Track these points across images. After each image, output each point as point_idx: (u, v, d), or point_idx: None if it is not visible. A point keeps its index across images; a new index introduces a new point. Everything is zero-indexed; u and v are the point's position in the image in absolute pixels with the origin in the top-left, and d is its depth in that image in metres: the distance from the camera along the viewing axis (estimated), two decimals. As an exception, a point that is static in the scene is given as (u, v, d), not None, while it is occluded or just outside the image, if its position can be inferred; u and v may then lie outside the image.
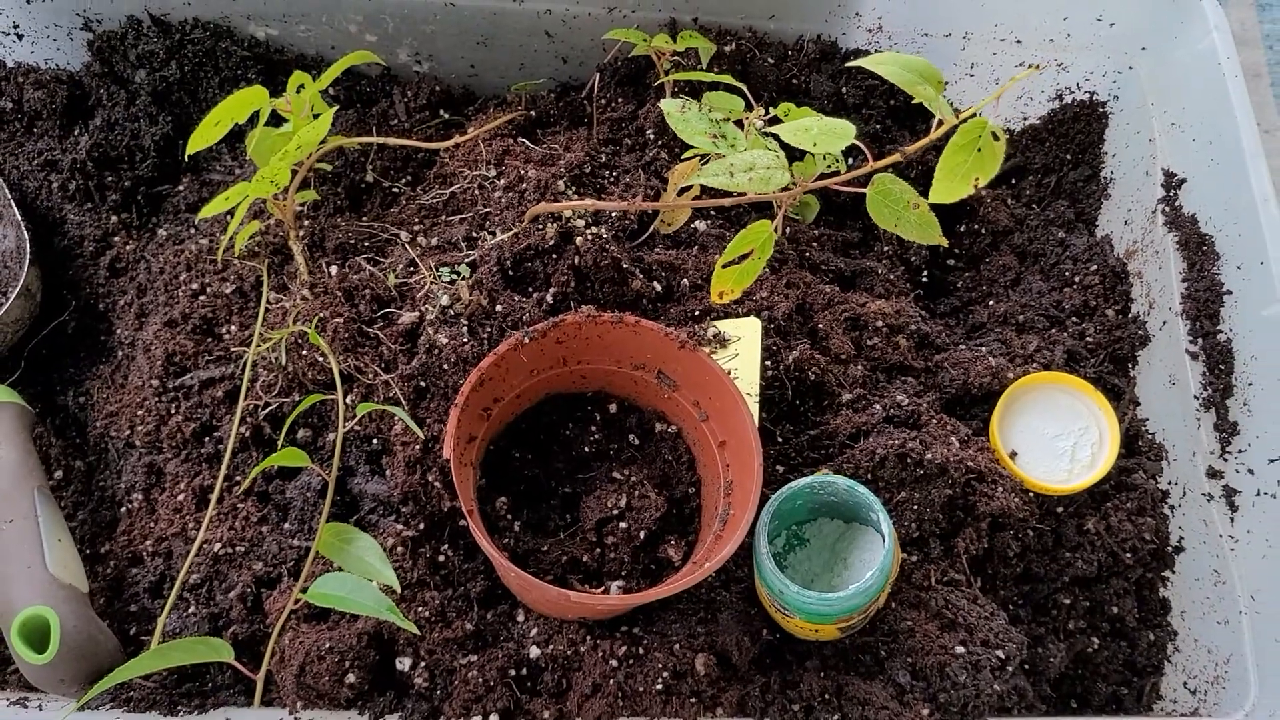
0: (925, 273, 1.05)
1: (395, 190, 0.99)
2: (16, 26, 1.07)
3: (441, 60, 1.09)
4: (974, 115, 0.67)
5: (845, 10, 1.05)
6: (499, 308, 0.82)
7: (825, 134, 0.73)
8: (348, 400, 0.82)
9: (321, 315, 0.83)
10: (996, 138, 0.65)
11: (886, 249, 1.03)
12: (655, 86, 1.00)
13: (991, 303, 1.01)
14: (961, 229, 1.07)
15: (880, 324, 0.92)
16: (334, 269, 0.88)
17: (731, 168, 0.72)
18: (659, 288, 0.88)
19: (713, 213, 0.95)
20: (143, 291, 0.98)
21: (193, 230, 1.01)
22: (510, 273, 0.85)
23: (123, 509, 0.88)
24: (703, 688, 0.76)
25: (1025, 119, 1.12)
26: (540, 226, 0.85)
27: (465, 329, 0.81)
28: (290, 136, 0.86)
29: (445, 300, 0.81)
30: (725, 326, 0.85)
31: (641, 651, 0.76)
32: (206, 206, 0.84)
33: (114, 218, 1.03)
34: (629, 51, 1.02)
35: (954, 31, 1.06)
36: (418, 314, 0.83)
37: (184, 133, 1.08)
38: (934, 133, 0.70)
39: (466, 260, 0.85)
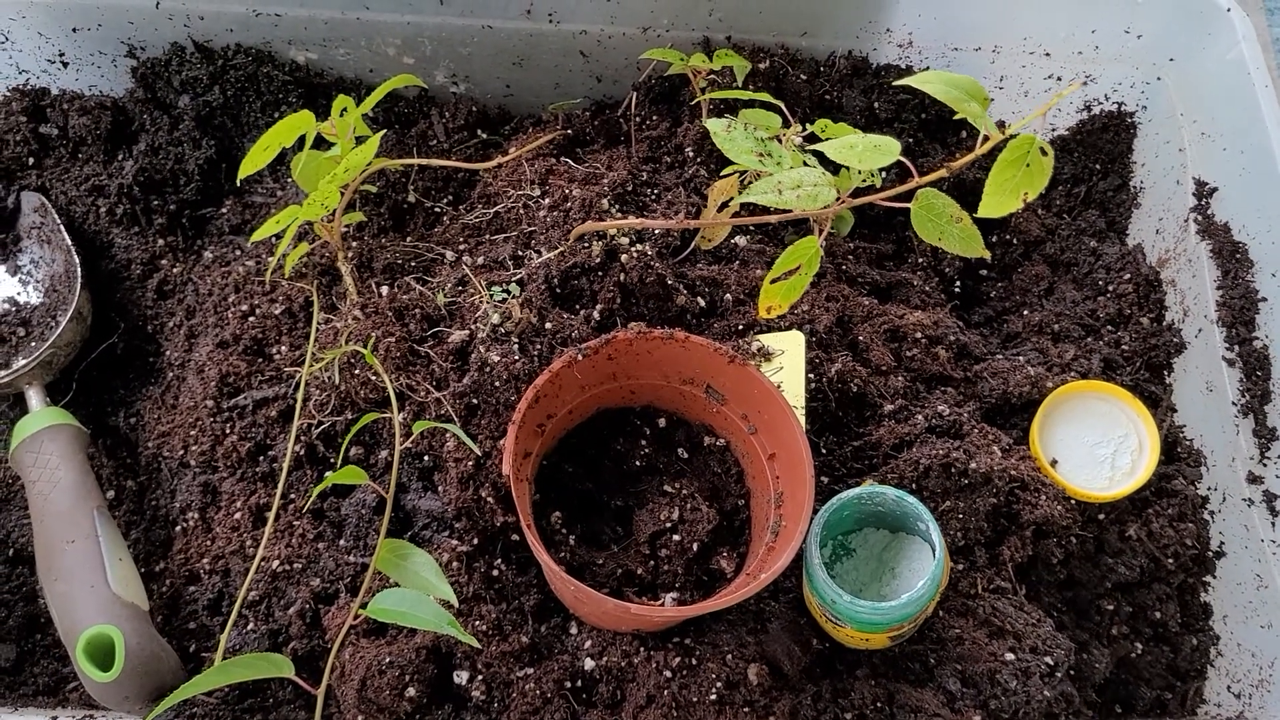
0: (958, 283, 1.06)
1: (438, 210, 1.01)
2: (62, 55, 1.09)
3: (478, 81, 1.11)
4: (1020, 131, 0.68)
5: (876, 26, 1.07)
6: (548, 325, 0.84)
7: (870, 151, 0.75)
8: (401, 418, 0.84)
9: (373, 334, 0.85)
10: (1045, 153, 0.66)
11: (921, 261, 1.04)
12: (692, 105, 1.02)
13: (1026, 312, 1.03)
14: (994, 239, 1.08)
15: (919, 335, 0.94)
16: (384, 289, 0.90)
17: (779, 185, 0.74)
18: (702, 303, 0.89)
19: (751, 228, 0.97)
20: (191, 313, 0.99)
21: (238, 252, 1.03)
22: (558, 290, 0.86)
23: (177, 528, 0.90)
24: (755, 697, 0.77)
25: (1054, 130, 1.13)
26: (586, 244, 0.87)
27: (516, 347, 0.82)
28: (337, 160, 0.88)
29: (496, 319, 0.83)
30: (769, 340, 0.87)
31: (694, 662, 0.77)
32: (258, 230, 0.86)
33: (160, 241, 1.05)
34: (664, 70, 1.04)
35: (983, 45, 1.08)
36: (468, 332, 0.85)
37: (227, 156, 1.10)
38: (979, 148, 0.71)
39: (515, 279, 0.87)
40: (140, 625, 0.79)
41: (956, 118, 0.73)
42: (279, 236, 0.89)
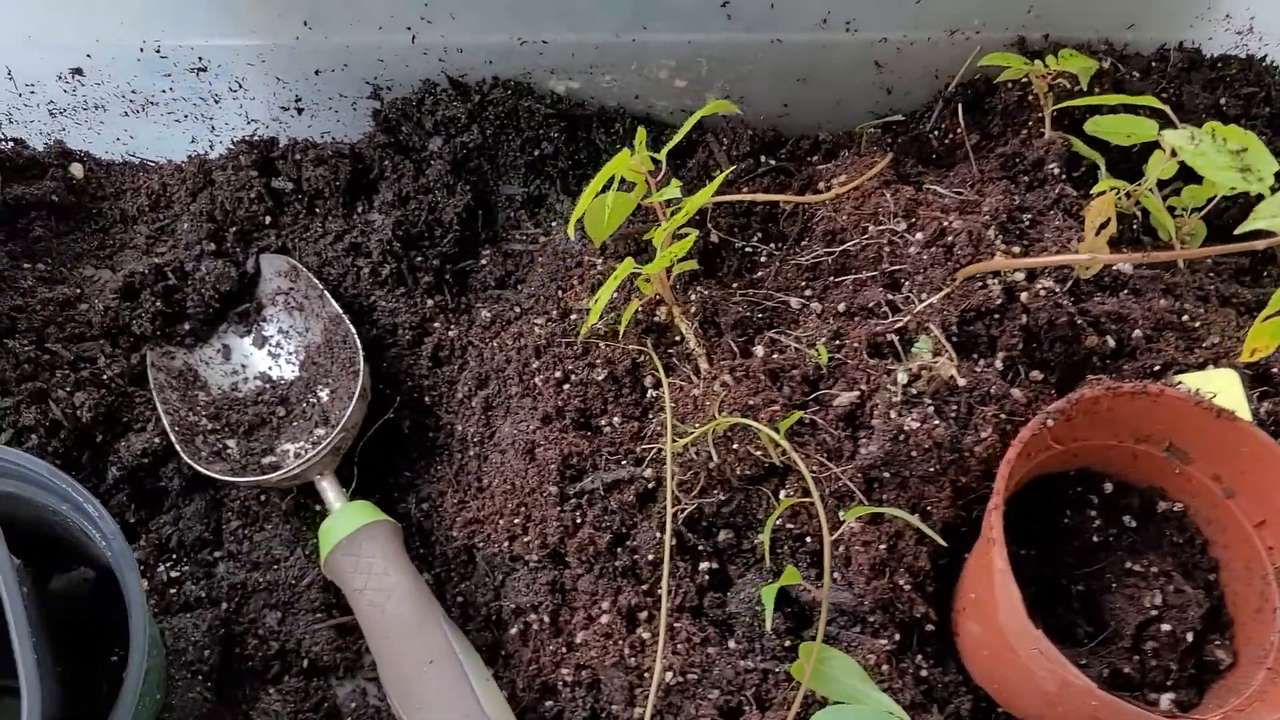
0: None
1: (748, 250, 0.89)
2: (298, 100, 0.98)
3: (753, 101, 1.00)
4: None
5: (1213, 13, 0.95)
6: (962, 381, 0.72)
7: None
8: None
9: (750, 401, 0.73)
10: None
11: (1286, 276, 0.92)
12: (1039, 116, 0.90)
13: None
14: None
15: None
16: (757, 349, 0.78)
17: (1288, 207, 0.62)
18: (1111, 343, 0.78)
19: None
20: (483, 382, 0.88)
21: (517, 310, 0.92)
22: (954, 339, 0.75)
23: (511, 630, 0.79)
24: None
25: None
26: (983, 284, 0.76)
27: (931, 409, 0.71)
28: (649, 202, 0.79)
29: (903, 378, 0.71)
30: (1195, 381, 0.75)
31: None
32: (602, 289, 0.76)
33: (429, 301, 0.94)
34: (969, 78, 0.93)
35: (1333, 28, 0.96)
36: (857, 394, 0.73)
37: (483, 202, 0.99)
38: None
39: (896, 326, 0.75)
40: (524, 759, 0.68)
41: None
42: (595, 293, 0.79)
